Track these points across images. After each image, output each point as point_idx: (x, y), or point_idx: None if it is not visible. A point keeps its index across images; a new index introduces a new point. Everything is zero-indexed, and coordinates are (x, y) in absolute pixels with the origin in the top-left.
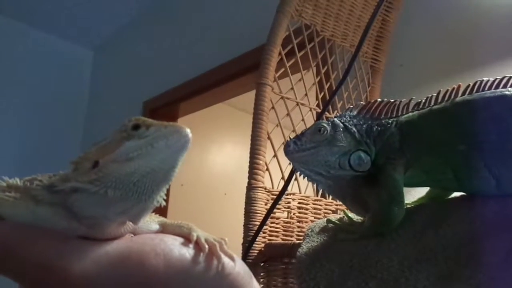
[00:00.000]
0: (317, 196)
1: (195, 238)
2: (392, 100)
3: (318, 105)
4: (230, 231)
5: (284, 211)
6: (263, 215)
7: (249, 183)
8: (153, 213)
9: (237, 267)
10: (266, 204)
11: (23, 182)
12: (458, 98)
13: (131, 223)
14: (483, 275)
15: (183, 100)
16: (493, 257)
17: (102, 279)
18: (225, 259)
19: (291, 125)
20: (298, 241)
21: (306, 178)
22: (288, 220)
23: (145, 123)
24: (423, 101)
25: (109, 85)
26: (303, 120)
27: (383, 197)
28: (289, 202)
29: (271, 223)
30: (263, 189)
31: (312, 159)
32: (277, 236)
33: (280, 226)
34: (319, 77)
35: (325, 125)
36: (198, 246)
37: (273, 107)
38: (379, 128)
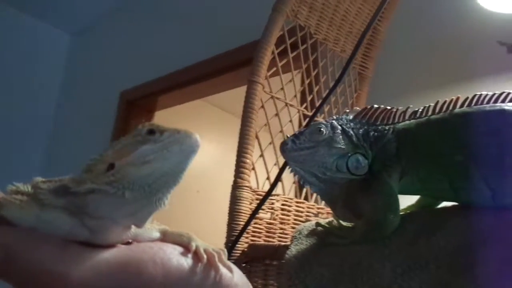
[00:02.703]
0: (300, 198)
1: (194, 248)
2: (389, 107)
3: (306, 108)
4: (202, 230)
5: (267, 212)
6: (248, 215)
7: (235, 182)
8: (155, 221)
9: (235, 278)
10: (250, 203)
11: (32, 186)
12: (457, 110)
13: (133, 229)
14: (475, 285)
15: (162, 93)
16: (486, 267)
17: (100, 286)
18: (223, 270)
19: (278, 125)
20: (283, 243)
21: (299, 178)
22: (271, 221)
23: (159, 129)
24: (420, 110)
25: (85, 72)
26: (290, 121)
27: (378, 204)
28: (273, 203)
29: (254, 223)
30: (249, 189)
31: (309, 159)
32: (259, 237)
33: (263, 227)
34: (309, 80)
35: (324, 125)
36: (197, 256)
37: (262, 106)
38: (375, 133)
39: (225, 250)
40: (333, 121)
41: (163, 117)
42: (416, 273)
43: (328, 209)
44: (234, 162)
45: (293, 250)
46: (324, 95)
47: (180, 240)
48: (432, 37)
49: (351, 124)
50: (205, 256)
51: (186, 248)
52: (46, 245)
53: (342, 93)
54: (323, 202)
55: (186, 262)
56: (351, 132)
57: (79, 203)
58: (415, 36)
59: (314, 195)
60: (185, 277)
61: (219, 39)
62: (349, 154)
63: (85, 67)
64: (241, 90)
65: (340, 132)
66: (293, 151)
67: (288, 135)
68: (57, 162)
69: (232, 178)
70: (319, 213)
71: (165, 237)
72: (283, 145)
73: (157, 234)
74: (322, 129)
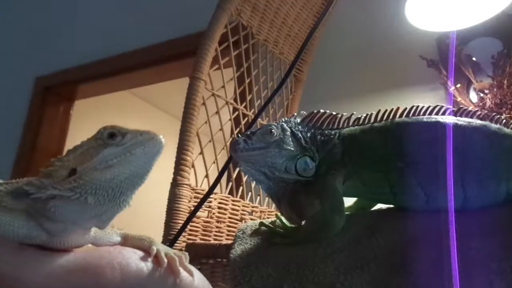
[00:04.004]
0: (236, 197)
1: (154, 252)
2: (334, 113)
3: (245, 107)
4: (136, 228)
5: (205, 210)
6: (186, 214)
7: (174, 180)
8: (115, 227)
9: (195, 282)
10: (189, 202)
11: None
12: (399, 119)
13: (92, 233)
14: (411, 284)
15: (83, 82)
16: (419, 266)
17: None
18: (184, 274)
19: (217, 123)
20: (224, 243)
21: (250, 177)
22: (208, 219)
23: (121, 131)
24: (363, 117)
25: None
26: (231, 119)
27: (325, 206)
28: (210, 202)
29: (192, 222)
30: (188, 187)
31: (260, 160)
32: (196, 236)
33: (200, 226)
34: (249, 79)
35: (275, 127)
36: (157, 260)
37: (204, 103)
38: (322, 137)
39: (187, 254)
40: (283, 123)
41: (84, 106)
42: (358, 272)
43: (262, 208)
44: (164, 158)
45: (237, 250)
46: (263, 94)
47: (141, 244)
48: (362, 47)
49: (299, 127)
50: (165, 260)
51: (147, 252)
52: (0, 247)
53: (279, 94)
54: (258, 201)
55: (146, 266)
56: (300, 135)
57: (40, 207)
58: (346, 44)
59: (250, 194)
60: (144, 282)
61: (148, 31)
62: (298, 156)
63: None
64: (169, 84)
65: (289, 134)
66: (245, 151)
67: (239, 135)
68: None
69: (157, 175)
70: (253, 211)
71: (126, 241)
72: (235, 145)
73: (117, 238)
74: (273, 130)
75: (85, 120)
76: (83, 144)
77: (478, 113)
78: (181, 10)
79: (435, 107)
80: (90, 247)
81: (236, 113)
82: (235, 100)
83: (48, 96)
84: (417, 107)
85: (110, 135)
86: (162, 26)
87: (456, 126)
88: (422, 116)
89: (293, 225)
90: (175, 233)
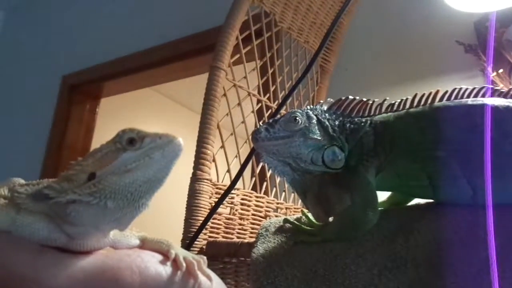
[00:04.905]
0: (259, 193)
1: (173, 255)
2: (365, 99)
3: (268, 98)
4: (155, 226)
5: (227, 207)
6: (207, 210)
7: (194, 174)
8: (134, 228)
9: (213, 286)
10: (210, 197)
11: (9, 189)
12: (438, 103)
13: (111, 235)
14: (456, 285)
15: (108, 79)
16: (467, 267)
17: None
18: (202, 278)
19: (239, 116)
20: (246, 241)
21: (272, 168)
22: (231, 216)
23: (139, 135)
24: (398, 102)
25: (22, 53)
26: (253, 111)
27: (357, 201)
28: (233, 198)
29: (213, 219)
30: (209, 182)
31: (284, 150)
32: (218, 233)
33: (222, 223)
34: (272, 69)
35: (299, 114)
36: (175, 264)
37: (225, 95)
38: (352, 126)
39: (205, 258)
40: (308, 110)
41: (110, 104)
42: (394, 273)
43: (287, 205)
44: (186, 154)
45: (260, 248)
46: (287, 86)
47: (159, 247)
48: (394, 33)
49: (326, 114)
50: (184, 264)
51: (165, 255)
52: (20, 249)
53: (304, 86)
54: (283, 197)
55: (165, 270)
56: (327, 123)
57: (59, 210)
58: (376, 31)
59: (274, 190)
60: (162, 286)
61: (171, 26)
62: (325, 146)
63: (22, 47)
64: (192, 81)
65: (315, 122)
66: (266, 140)
67: (260, 124)
68: None
69: (176, 170)
70: (278, 208)
71: (144, 244)
72: (256, 134)
73: (136, 241)
74: (297, 118)
75: (111, 118)
76: (102, 147)
77: None
78: (203, 4)
79: (481, 88)
80: (109, 249)
81: (259, 104)
82: (258, 91)
83: (74, 95)
84: (460, 89)
85: (129, 139)
86: (184, 21)
87: (507, 109)
88: (465, 99)
89: (320, 222)
90: (195, 230)
